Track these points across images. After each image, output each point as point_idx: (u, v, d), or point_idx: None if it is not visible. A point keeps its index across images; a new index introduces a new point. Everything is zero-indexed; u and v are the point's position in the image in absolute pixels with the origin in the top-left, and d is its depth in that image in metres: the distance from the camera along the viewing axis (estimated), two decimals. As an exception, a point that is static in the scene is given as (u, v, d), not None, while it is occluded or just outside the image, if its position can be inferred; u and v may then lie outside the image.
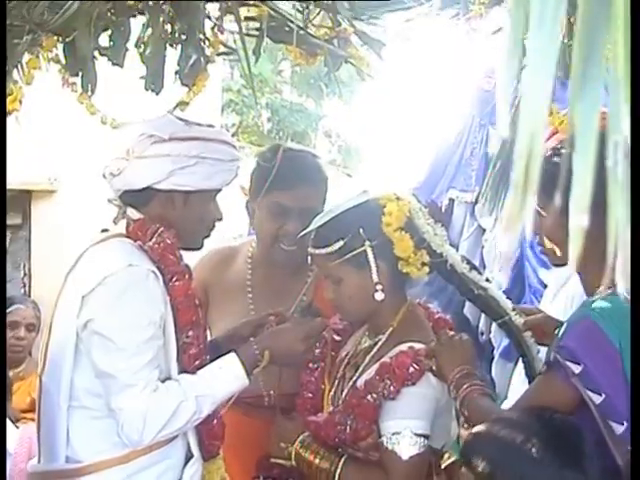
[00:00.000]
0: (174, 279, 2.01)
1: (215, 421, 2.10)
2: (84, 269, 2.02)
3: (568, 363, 1.67)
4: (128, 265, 1.94)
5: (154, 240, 2.01)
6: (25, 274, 5.04)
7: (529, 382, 2.03)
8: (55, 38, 2.19)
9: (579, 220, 0.57)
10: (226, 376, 1.99)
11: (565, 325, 1.79)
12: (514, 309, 2.10)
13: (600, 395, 1.63)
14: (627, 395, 1.59)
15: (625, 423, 1.61)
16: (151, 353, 1.93)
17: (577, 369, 1.66)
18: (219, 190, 2.13)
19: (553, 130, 2.62)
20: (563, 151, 1.83)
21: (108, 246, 2.05)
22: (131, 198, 2.06)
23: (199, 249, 2.25)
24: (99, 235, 2.11)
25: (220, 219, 2.16)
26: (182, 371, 2.01)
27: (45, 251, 4.96)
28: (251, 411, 2.41)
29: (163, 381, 1.95)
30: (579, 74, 0.55)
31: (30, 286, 5.04)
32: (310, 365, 2.19)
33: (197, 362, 2.02)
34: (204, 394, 1.95)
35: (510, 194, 0.61)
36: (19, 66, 2.27)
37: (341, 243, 1.97)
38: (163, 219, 2.05)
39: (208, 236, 2.19)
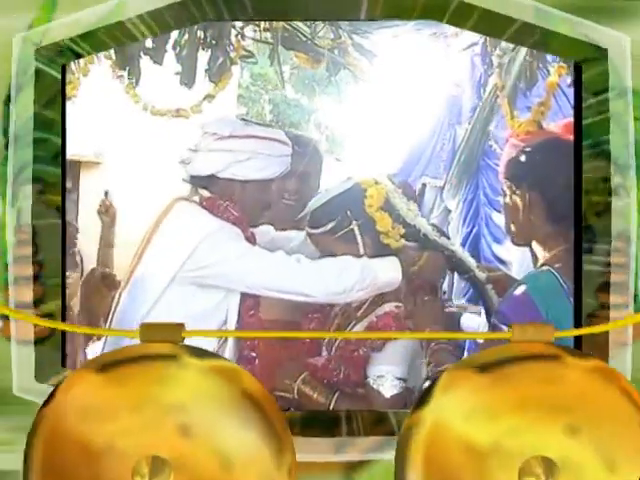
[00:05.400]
0: None
1: None
2: (179, 222, 2.03)
3: (502, 327, 1.65)
4: (222, 226, 1.97)
5: (224, 216, 2.01)
6: (74, 228, 4.98)
7: (489, 327, 2.05)
8: (108, 39, 2.15)
9: None
10: (383, 263, 1.99)
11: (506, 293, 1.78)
12: (478, 266, 2.14)
13: None
14: None
15: None
16: None
17: None
18: (273, 180, 2.11)
19: (511, 133, 2.58)
20: (527, 150, 1.80)
21: (197, 207, 2.05)
22: (199, 182, 2.08)
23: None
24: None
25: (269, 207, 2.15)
26: None
27: (90, 210, 4.91)
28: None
29: None
30: None
31: (77, 238, 4.99)
32: (309, 315, 2.16)
33: None
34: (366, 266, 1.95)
35: None
36: (76, 60, 2.24)
37: (333, 224, 2.02)
38: (227, 199, 2.05)
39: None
